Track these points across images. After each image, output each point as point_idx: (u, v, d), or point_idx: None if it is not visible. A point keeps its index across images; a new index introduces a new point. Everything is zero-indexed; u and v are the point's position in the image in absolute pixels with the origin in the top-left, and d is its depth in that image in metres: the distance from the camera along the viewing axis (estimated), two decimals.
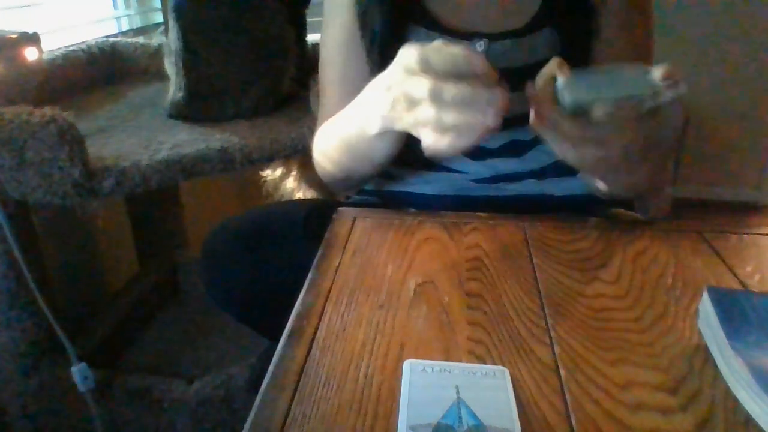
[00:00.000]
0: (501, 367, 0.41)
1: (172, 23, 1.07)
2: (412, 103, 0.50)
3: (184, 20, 1.05)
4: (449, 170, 0.75)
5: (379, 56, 0.73)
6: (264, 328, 0.87)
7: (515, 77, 0.51)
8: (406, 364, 0.41)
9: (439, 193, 0.76)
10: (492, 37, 0.71)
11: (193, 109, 1.10)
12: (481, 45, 0.72)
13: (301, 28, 1.24)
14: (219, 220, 0.82)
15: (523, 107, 0.52)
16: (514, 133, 0.71)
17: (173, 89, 1.11)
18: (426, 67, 0.49)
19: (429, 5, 0.73)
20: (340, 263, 0.56)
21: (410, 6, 0.73)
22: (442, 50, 0.50)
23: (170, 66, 1.10)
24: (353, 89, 0.77)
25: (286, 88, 1.18)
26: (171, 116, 1.11)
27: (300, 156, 1.07)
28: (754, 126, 2.51)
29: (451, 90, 0.47)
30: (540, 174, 0.73)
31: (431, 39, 0.73)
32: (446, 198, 0.75)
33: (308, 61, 1.22)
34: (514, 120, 0.51)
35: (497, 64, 0.73)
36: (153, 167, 0.89)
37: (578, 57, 0.56)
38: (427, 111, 0.49)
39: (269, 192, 1.46)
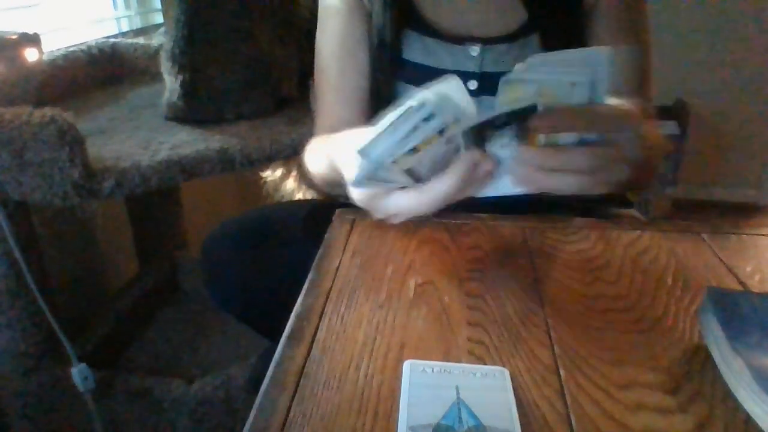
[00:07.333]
0: (501, 368, 0.41)
1: (176, 18, 1.05)
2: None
3: (191, 14, 1.04)
4: None
5: (375, 63, 0.73)
6: (264, 329, 0.87)
7: None
8: (406, 365, 0.41)
9: None
10: (486, 42, 0.71)
11: (190, 110, 1.08)
12: (474, 49, 0.72)
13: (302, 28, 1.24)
14: (219, 220, 0.82)
15: None
16: None
17: (169, 89, 1.10)
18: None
19: (423, 11, 0.73)
20: (340, 264, 0.56)
21: (404, 12, 0.73)
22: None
23: (166, 64, 1.09)
24: (348, 96, 0.78)
25: (287, 89, 1.17)
26: (167, 118, 1.10)
27: (300, 157, 1.07)
28: (754, 126, 2.51)
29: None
30: None
31: (425, 44, 0.73)
32: None
33: (309, 61, 1.22)
34: None
35: (492, 68, 0.73)
36: (153, 168, 0.89)
37: None
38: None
39: (269, 192, 1.46)
